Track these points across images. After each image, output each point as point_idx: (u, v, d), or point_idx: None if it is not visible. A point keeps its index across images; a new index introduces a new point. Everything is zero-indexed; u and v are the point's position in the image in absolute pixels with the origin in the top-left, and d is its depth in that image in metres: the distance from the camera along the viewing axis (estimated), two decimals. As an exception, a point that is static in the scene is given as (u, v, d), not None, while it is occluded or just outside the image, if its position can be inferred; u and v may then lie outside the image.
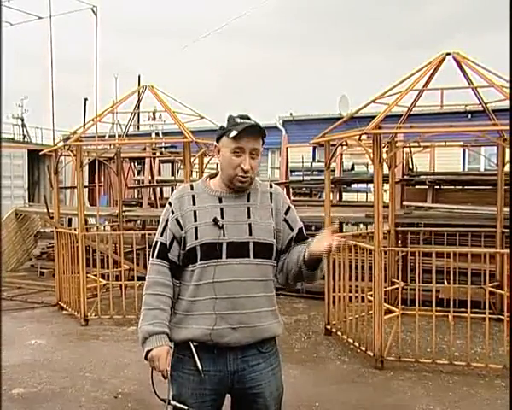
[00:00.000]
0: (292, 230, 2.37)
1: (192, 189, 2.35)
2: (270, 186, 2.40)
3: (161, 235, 2.32)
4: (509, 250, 6.10)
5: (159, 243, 2.32)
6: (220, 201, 2.30)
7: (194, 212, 2.28)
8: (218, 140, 2.33)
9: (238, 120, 2.24)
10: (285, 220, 2.36)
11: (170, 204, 2.34)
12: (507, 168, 6.86)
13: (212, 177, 2.40)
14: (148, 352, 2.20)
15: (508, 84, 5.61)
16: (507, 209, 6.78)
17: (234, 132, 2.21)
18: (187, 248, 2.25)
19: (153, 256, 2.33)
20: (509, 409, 4.28)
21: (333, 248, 2.13)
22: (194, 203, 2.30)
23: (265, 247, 2.28)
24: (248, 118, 2.27)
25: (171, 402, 2.22)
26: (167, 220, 2.31)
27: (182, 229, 2.27)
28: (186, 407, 2.21)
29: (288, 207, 2.39)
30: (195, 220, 2.26)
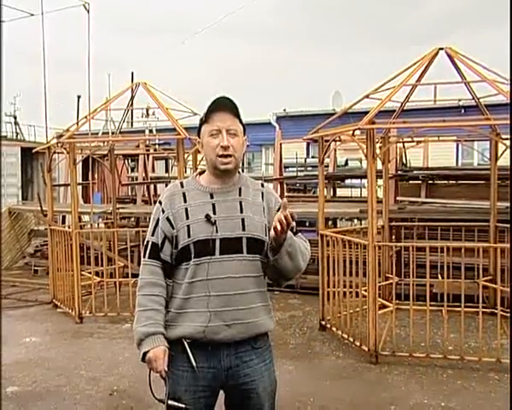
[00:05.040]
0: None
1: (182, 186, 2.34)
2: (262, 186, 2.39)
3: (152, 235, 2.30)
4: (502, 244, 6.14)
5: (150, 243, 2.30)
6: (211, 196, 2.28)
7: (186, 209, 2.26)
8: (199, 134, 2.33)
9: (211, 106, 2.26)
10: None
11: (160, 203, 2.32)
12: (500, 163, 6.88)
13: (201, 173, 2.39)
14: (144, 354, 2.19)
15: (503, 80, 5.63)
16: (500, 203, 6.82)
17: (206, 115, 2.24)
18: (180, 246, 2.23)
19: (144, 256, 2.32)
20: (502, 402, 4.31)
21: (282, 221, 2.07)
22: (185, 201, 2.28)
23: (258, 243, 2.26)
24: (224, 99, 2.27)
25: (169, 402, 2.21)
26: (158, 220, 2.29)
27: (173, 228, 2.25)
28: (183, 406, 2.21)
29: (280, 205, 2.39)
30: (187, 218, 2.24)
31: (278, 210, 2.33)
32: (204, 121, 2.26)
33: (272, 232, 2.13)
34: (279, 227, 2.08)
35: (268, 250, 2.23)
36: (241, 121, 2.29)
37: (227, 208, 2.26)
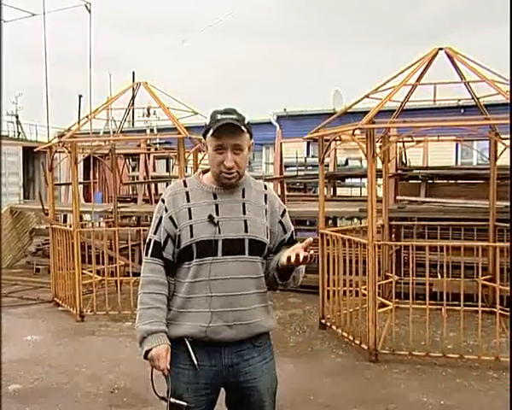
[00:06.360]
0: (285, 232, 2.38)
1: (185, 185, 2.33)
2: (265, 188, 2.40)
3: (155, 233, 2.30)
4: (501, 244, 6.16)
5: (152, 241, 2.30)
6: (215, 197, 2.28)
7: (189, 209, 2.26)
8: (204, 136, 2.30)
9: (219, 117, 2.19)
10: (280, 222, 2.36)
11: (163, 201, 2.31)
12: (499, 162, 6.91)
13: (205, 172, 2.38)
14: (147, 352, 2.20)
15: (503, 80, 5.65)
16: (499, 203, 6.84)
17: (211, 130, 2.18)
18: (182, 246, 2.24)
19: (146, 254, 2.31)
20: (501, 400, 4.34)
21: (300, 259, 2.09)
22: (188, 200, 2.28)
23: (259, 244, 2.28)
24: (232, 112, 2.21)
25: (171, 400, 2.22)
26: (161, 218, 2.29)
27: (176, 227, 2.25)
28: (185, 404, 2.22)
29: (284, 210, 2.40)
30: (190, 218, 2.24)
31: (282, 215, 2.36)
32: (210, 131, 2.19)
33: (284, 260, 2.17)
34: (293, 259, 2.11)
35: (275, 273, 2.27)
36: (248, 130, 2.23)
37: (230, 209, 2.27)
